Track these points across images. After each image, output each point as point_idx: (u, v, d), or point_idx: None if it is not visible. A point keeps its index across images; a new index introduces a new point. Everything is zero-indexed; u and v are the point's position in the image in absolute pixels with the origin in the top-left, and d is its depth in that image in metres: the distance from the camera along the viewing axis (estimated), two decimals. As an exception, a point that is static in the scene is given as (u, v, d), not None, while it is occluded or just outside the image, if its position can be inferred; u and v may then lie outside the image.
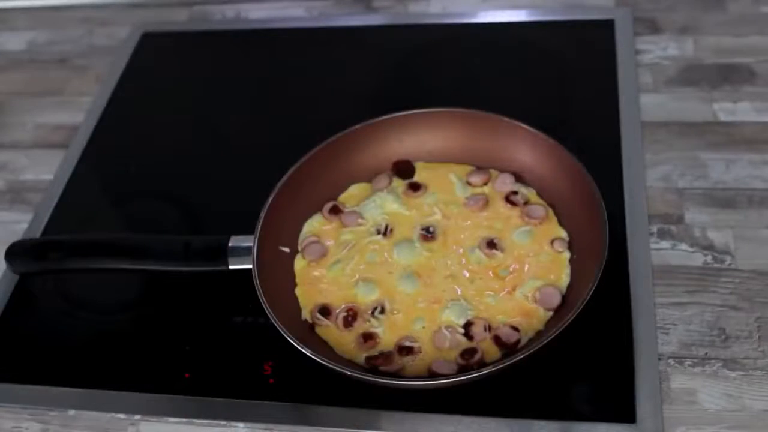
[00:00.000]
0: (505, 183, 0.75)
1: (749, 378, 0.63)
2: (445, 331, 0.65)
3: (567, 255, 0.69)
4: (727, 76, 0.85)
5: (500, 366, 0.60)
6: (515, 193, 0.74)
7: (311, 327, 0.68)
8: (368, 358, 0.65)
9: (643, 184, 0.76)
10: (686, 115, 0.82)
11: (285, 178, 0.73)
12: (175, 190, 0.86)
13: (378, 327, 0.67)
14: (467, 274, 0.69)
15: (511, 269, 0.69)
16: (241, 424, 0.65)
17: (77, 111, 0.96)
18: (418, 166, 0.78)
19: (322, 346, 0.66)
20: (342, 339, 0.67)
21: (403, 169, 0.78)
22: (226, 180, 0.85)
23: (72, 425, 0.68)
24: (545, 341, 0.60)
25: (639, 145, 0.79)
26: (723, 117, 0.81)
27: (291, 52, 0.99)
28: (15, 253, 0.76)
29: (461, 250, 0.71)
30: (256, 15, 1.05)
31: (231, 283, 0.70)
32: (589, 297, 0.61)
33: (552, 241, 0.70)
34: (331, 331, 0.67)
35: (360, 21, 1.01)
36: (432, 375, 0.63)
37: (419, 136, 0.78)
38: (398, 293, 0.69)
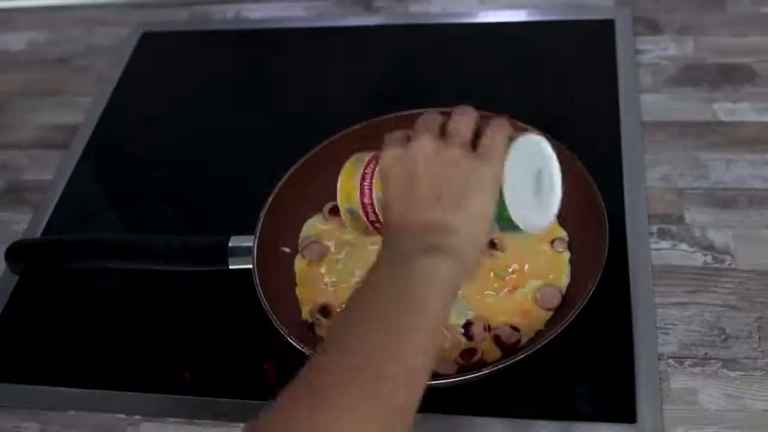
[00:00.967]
0: (505, 183, 0.75)
1: (749, 378, 0.63)
2: (444, 331, 0.65)
3: (567, 255, 0.69)
4: (728, 76, 0.85)
5: (500, 366, 0.60)
6: (515, 193, 0.73)
7: (311, 327, 0.68)
8: (368, 358, 0.65)
9: (643, 184, 0.76)
10: (686, 115, 0.82)
11: (285, 178, 0.73)
12: (175, 190, 0.86)
13: (378, 327, 0.66)
14: (467, 274, 0.69)
15: (511, 269, 0.69)
16: (241, 424, 0.65)
17: (77, 111, 0.96)
18: (419, 166, 0.78)
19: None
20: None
21: (403, 169, 0.77)
22: (226, 180, 0.84)
23: (72, 425, 0.68)
24: (545, 341, 0.60)
25: (639, 145, 0.79)
26: (723, 117, 0.81)
27: (291, 52, 0.99)
28: (15, 253, 0.76)
29: (461, 250, 0.70)
30: (256, 15, 1.05)
31: (231, 283, 0.70)
32: (589, 297, 0.61)
33: (552, 241, 0.70)
34: (331, 331, 0.67)
35: (360, 21, 1.01)
36: (432, 375, 0.63)
37: (419, 136, 0.77)
38: (398, 293, 0.68)
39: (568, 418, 0.62)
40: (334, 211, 0.75)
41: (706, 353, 0.64)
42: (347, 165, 0.59)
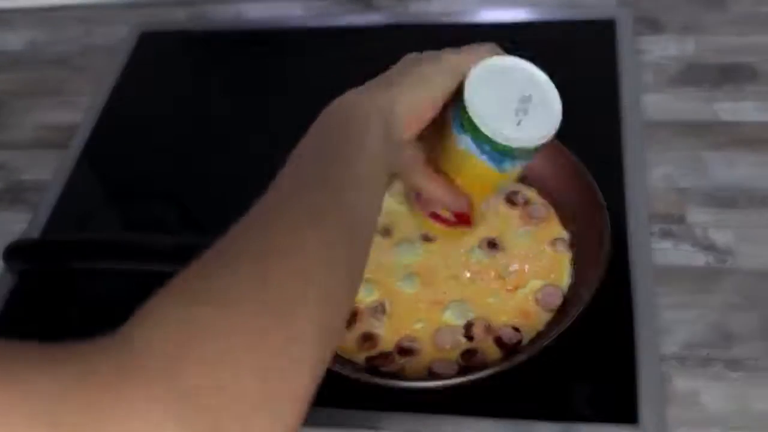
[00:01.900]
0: (506, 183, 0.75)
1: (752, 379, 0.62)
2: (445, 332, 0.65)
3: (568, 255, 0.69)
4: (729, 75, 0.85)
5: (501, 367, 0.60)
6: (516, 193, 0.73)
7: (311, 327, 0.68)
8: (368, 359, 0.65)
9: (645, 184, 0.75)
10: (688, 114, 0.82)
11: (285, 177, 0.73)
12: (174, 189, 0.86)
13: (378, 327, 0.66)
14: (468, 275, 0.69)
15: (511, 269, 0.69)
16: (240, 426, 0.65)
17: (76, 111, 0.96)
18: (419, 165, 0.77)
19: (322, 346, 0.66)
20: (342, 339, 0.66)
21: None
22: (226, 180, 0.84)
23: (70, 426, 0.67)
24: (546, 342, 0.60)
25: (640, 144, 0.79)
26: (724, 117, 0.81)
27: (290, 52, 0.98)
28: (14, 252, 0.76)
29: (462, 250, 0.70)
30: (256, 15, 1.04)
31: (230, 283, 0.70)
32: (590, 297, 0.61)
33: (553, 241, 0.70)
34: (331, 331, 0.67)
35: (360, 20, 1.01)
36: (432, 376, 0.63)
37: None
38: (398, 293, 0.68)
39: (570, 420, 0.61)
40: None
41: (708, 354, 0.64)
42: None
